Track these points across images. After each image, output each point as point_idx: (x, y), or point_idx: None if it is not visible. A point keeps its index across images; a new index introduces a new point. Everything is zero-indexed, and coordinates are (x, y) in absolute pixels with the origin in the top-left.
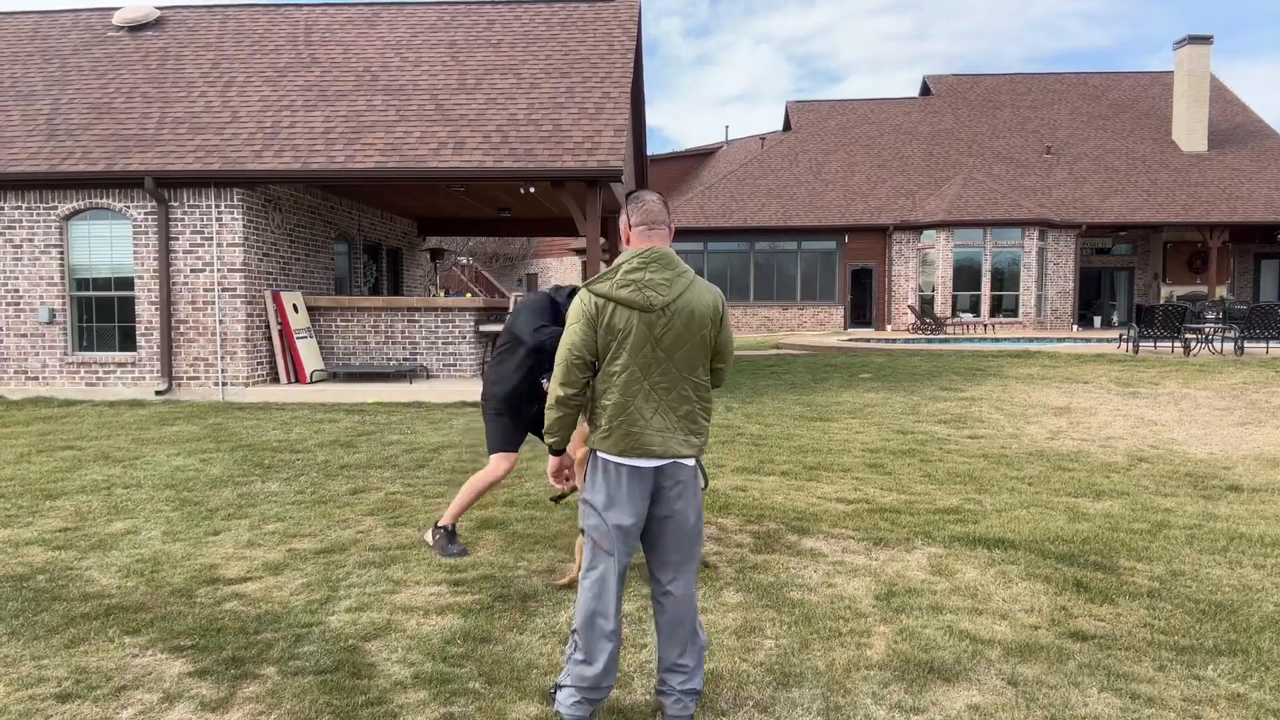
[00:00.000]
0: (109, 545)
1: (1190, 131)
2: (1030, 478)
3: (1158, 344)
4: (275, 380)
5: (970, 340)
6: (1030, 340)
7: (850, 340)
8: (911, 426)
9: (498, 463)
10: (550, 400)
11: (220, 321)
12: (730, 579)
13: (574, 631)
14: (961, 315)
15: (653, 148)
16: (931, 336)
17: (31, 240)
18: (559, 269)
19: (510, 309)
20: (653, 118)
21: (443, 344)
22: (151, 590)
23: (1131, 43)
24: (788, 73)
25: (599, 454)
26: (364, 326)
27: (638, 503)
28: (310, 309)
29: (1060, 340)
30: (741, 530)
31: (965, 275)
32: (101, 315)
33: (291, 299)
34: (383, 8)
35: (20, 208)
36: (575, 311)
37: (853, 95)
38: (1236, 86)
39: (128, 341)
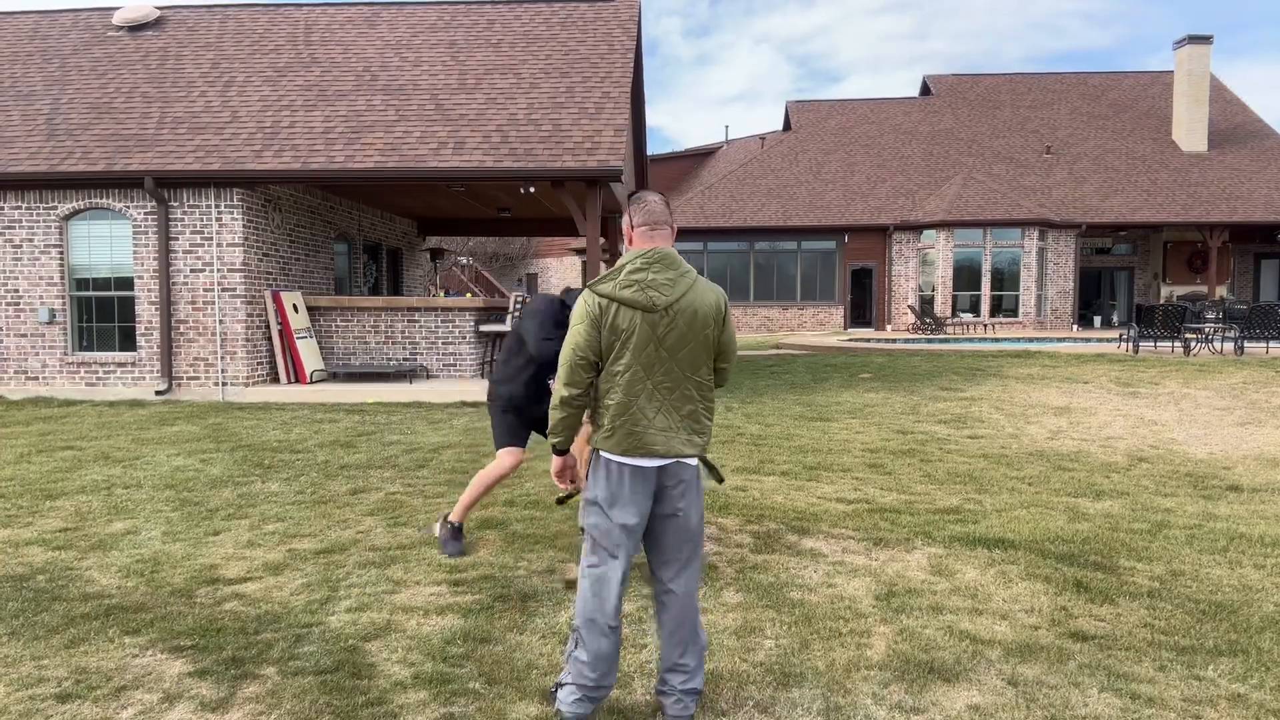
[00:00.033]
0: (109, 545)
1: (1190, 131)
2: (1030, 478)
3: (1158, 344)
4: (275, 380)
5: (970, 340)
6: (1030, 340)
7: (850, 340)
8: (911, 426)
9: (504, 457)
10: (554, 400)
11: (220, 321)
12: (730, 579)
13: (574, 630)
14: (961, 315)
15: (653, 148)
16: (931, 336)
17: (31, 240)
18: (559, 269)
19: (510, 308)
20: (653, 118)
21: (443, 344)
22: (151, 590)
23: (1131, 42)
24: (788, 72)
25: (602, 453)
26: (364, 326)
27: (640, 502)
28: (310, 309)
29: (1060, 340)
30: (741, 530)
31: (965, 275)
32: (101, 315)
33: (291, 299)
34: (383, 8)
35: (20, 208)
36: (579, 312)
37: (853, 95)
38: (1236, 86)
39: (128, 341)
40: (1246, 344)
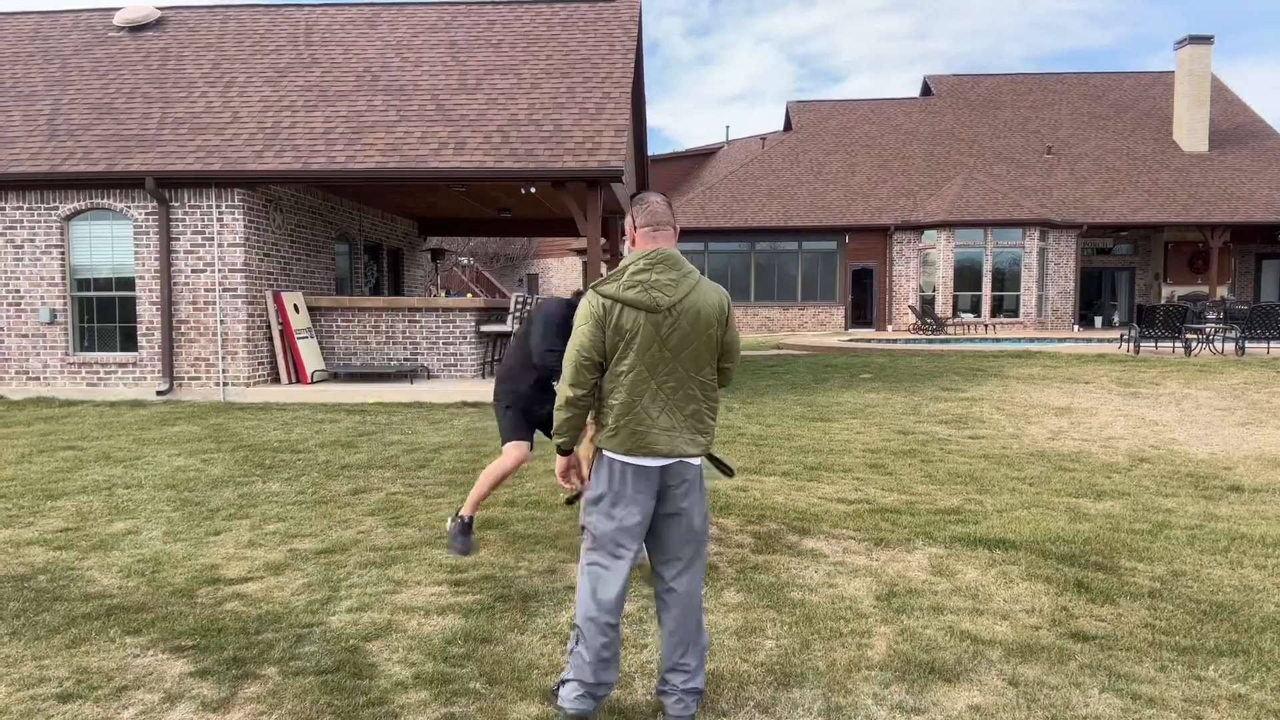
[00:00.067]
0: (110, 545)
1: (1191, 131)
2: (1031, 478)
3: (1159, 344)
4: (276, 380)
5: (971, 340)
6: (1031, 340)
7: (851, 340)
8: (912, 427)
9: (511, 450)
10: (559, 401)
11: (221, 322)
12: (731, 579)
13: (575, 627)
14: (962, 315)
15: (653, 148)
16: (932, 337)
17: (33, 240)
18: (560, 269)
19: (511, 308)
20: (653, 118)
21: (443, 344)
22: (152, 590)
23: (1132, 42)
24: (788, 72)
25: (606, 452)
26: (365, 327)
27: (643, 501)
28: (311, 309)
29: (1061, 340)
30: (742, 530)
31: (966, 275)
32: (102, 315)
33: (292, 299)
34: (383, 8)
35: (21, 208)
36: (583, 313)
37: (853, 95)
38: (1237, 86)
39: (129, 342)
40: (1247, 344)
